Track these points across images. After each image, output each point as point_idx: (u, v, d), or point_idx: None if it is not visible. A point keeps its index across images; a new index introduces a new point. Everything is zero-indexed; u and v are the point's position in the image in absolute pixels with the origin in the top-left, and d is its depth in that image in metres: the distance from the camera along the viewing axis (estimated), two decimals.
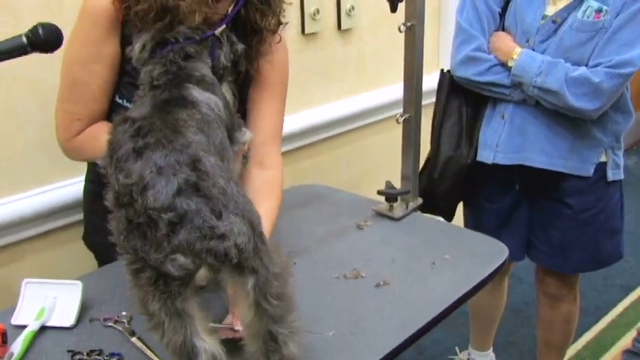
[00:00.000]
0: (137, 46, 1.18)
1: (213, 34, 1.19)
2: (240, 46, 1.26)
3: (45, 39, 1.05)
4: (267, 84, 1.43)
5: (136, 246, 0.92)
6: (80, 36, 1.29)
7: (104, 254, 1.50)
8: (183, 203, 0.89)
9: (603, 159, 1.82)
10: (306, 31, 2.22)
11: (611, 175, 1.84)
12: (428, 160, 1.93)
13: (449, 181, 1.89)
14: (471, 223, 2.06)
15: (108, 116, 1.36)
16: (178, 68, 1.13)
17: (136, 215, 0.91)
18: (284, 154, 1.52)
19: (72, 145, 1.37)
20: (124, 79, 1.34)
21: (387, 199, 1.68)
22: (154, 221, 0.89)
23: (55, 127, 1.37)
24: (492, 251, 1.50)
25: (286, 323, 1.02)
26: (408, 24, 1.56)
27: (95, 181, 1.46)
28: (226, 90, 1.24)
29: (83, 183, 1.59)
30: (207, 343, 0.99)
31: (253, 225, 0.97)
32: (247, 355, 1.05)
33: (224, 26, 1.21)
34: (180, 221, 0.89)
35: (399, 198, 1.70)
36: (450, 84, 1.89)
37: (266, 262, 0.98)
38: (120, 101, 1.35)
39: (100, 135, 1.34)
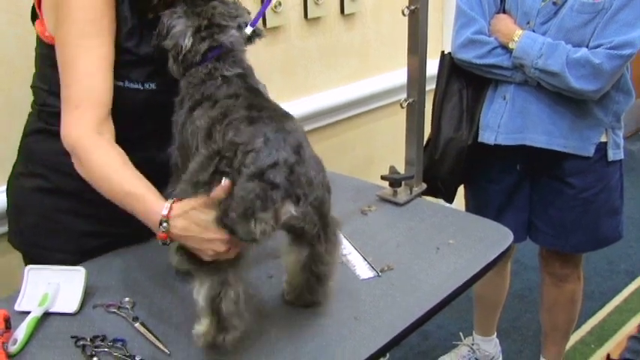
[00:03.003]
0: (186, 43, 1.20)
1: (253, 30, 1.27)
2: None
3: None
4: None
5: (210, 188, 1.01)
6: (74, 14, 1.20)
7: (37, 256, 1.38)
8: (272, 176, 0.97)
9: (604, 139, 1.82)
10: (309, 15, 2.20)
11: (611, 155, 1.84)
12: (428, 142, 1.92)
13: (450, 162, 1.89)
14: (473, 204, 2.06)
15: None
16: (247, 65, 1.24)
17: (227, 167, 1.00)
18: None
19: (72, 148, 1.19)
20: (123, 57, 1.26)
21: (391, 185, 1.67)
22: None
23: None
24: (497, 236, 1.49)
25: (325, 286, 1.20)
26: (412, 8, 1.54)
27: (44, 175, 1.37)
28: None
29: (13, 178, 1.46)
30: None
31: (324, 218, 1.10)
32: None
33: (259, 22, 1.27)
34: (257, 194, 0.97)
35: (403, 183, 1.69)
36: (450, 66, 1.89)
37: (323, 241, 1.12)
38: (121, 84, 1.26)
39: (110, 173, 1.17)
